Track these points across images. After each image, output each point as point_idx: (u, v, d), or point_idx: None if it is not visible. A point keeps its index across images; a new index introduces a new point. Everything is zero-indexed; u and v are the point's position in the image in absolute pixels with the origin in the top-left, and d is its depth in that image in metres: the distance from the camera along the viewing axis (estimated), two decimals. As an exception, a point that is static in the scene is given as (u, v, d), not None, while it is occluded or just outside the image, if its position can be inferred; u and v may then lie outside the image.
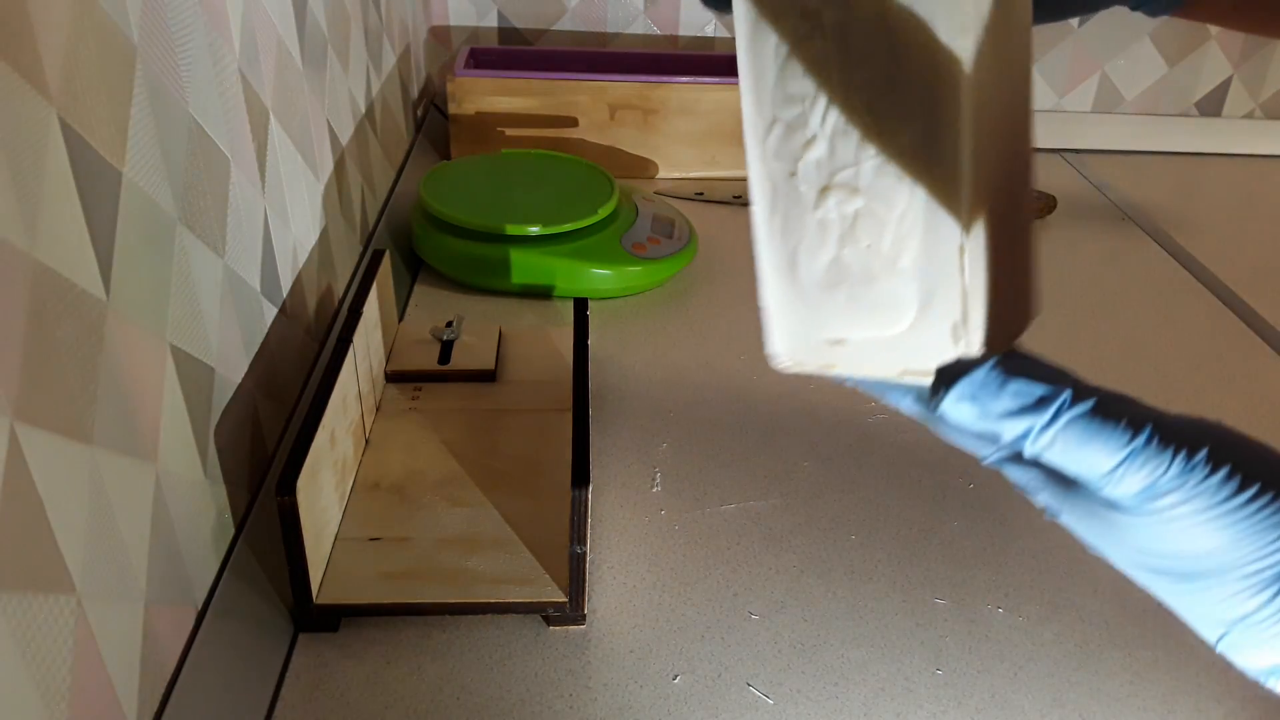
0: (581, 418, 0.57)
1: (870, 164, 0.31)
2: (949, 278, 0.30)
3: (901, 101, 0.30)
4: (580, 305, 0.71)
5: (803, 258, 0.33)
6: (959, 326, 0.31)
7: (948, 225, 0.30)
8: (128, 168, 0.42)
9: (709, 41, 1.34)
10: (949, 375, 0.30)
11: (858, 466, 0.71)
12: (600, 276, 0.89)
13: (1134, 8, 0.56)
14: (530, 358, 0.77)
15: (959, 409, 0.30)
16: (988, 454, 0.31)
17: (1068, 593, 0.61)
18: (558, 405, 0.71)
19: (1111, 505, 0.29)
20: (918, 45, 0.29)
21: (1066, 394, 0.29)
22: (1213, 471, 0.28)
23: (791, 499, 0.68)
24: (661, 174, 1.19)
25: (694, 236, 0.96)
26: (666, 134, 1.16)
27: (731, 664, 0.56)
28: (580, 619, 0.57)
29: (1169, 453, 0.28)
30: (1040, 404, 0.29)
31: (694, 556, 0.63)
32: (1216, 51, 1.39)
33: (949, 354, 0.31)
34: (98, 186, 0.40)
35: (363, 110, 0.90)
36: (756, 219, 0.34)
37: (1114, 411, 0.28)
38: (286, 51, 0.66)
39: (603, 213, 0.91)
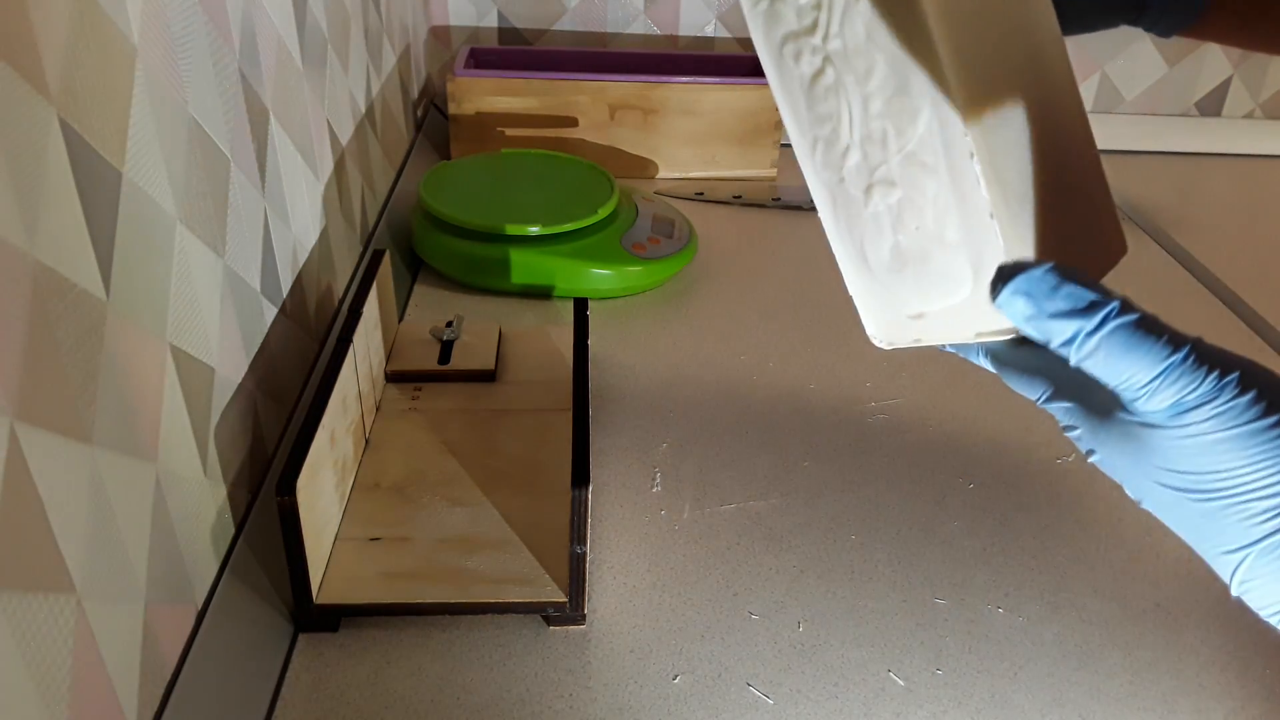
0: (581, 418, 0.57)
1: (897, 159, 0.35)
2: (991, 243, 0.34)
3: (908, 100, 0.33)
4: (580, 305, 0.71)
5: (869, 248, 0.37)
6: None
7: (975, 196, 0.33)
8: (128, 168, 0.42)
9: (709, 41, 1.34)
10: (1008, 272, 0.32)
11: (858, 466, 0.71)
12: (600, 276, 0.89)
13: (1146, 29, 0.56)
14: (530, 358, 0.77)
15: (1014, 302, 0.31)
16: (1039, 395, 0.34)
17: (1068, 593, 0.62)
18: (558, 405, 0.71)
19: (1143, 422, 0.31)
20: (901, 50, 0.33)
21: (1115, 304, 0.30)
22: (1241, 393, 0.29)
23: (791, 499, 0.68)
24: (661, 174, 1.19)
25: (694, 236, 0.96)
26: (666, 134, 1.16)
27: (731, 664, 0.56)
28: (580, 619, 0.57)
29: (1203, 371, 0.29)
30: (1090, 309, 0.30)
31: (694, 556, 0.63)
32: (1216, 51, 1.40)
33: None
34: (98, 186, 0.40)
35: (363, 110, 0.90)
36: (824, 222, 0.38)
37: (1156, 328, 0.30)
38: (286, 51, 0.66)
39: (603, 213, 0.91)
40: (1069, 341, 0.31)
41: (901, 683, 0.55)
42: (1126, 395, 0.31)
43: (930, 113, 0.33)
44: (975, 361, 0.38)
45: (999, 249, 0.33)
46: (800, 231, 1.07)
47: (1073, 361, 0.31)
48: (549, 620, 0.57)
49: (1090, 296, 0.30)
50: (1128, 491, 0.33)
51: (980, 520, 0.67)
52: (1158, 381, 0.30)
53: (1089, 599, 0.61)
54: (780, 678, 0.55)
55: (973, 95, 0.32)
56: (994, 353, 0.36)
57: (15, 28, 0.34)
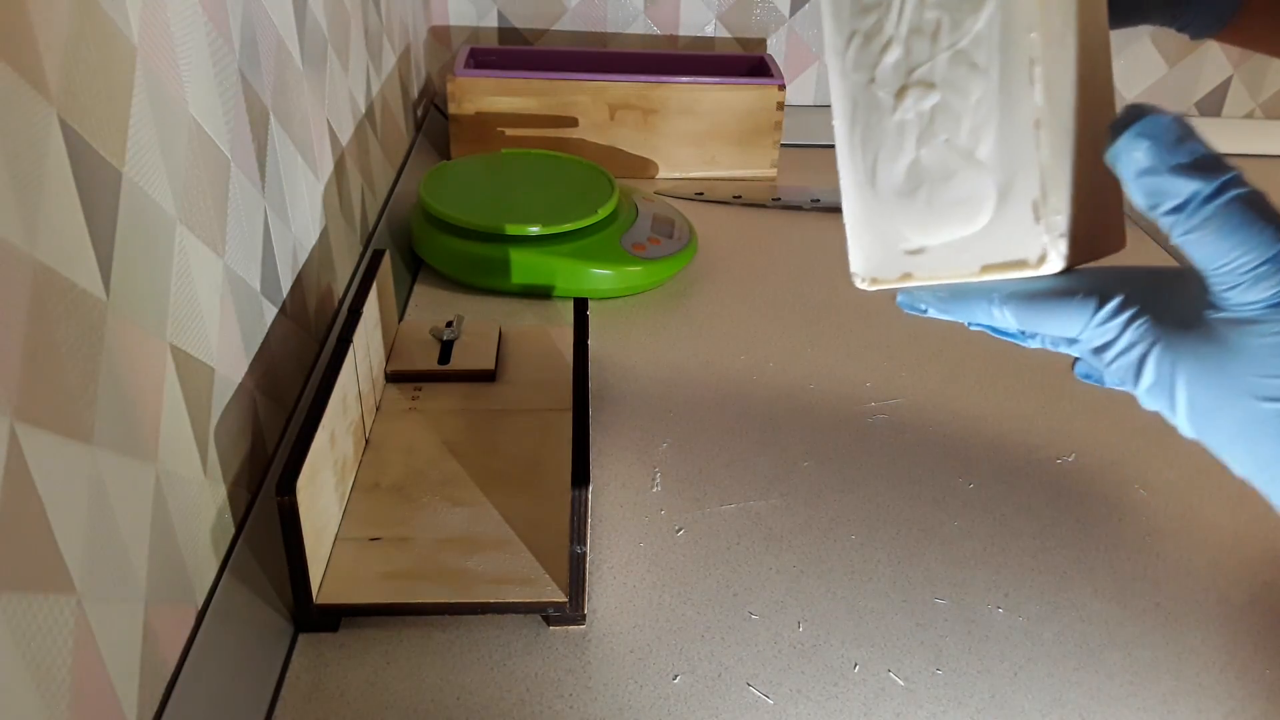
0: (581, 418, 0.57)
1: (944, 56, 0.33)
2: (1027, 157, 0.32)
3: None
4: (580, 305, 0.71)
5: (882, 166, 0.35)
6: (1039, 204, 0.32)
7: (1023, 103, 0.31)
8: (128, 168, 0.42)
9: (709, 41, 1.34)
10: (1138, 111, 0.29)
11: (858, 466, 0.71)
12: (600, 276, 0.89)
13: (1179, 29, 0.56)
14: (530, 358, 0.77)
15: (1137, 145, 0.29)
16: (1087, 318, 0.32)
17: (1068, 593, 0.62)
18: (558, 405, 0.71)
19: (1234, 318, 0.29)
20: None
21: (1235, 173, 0.29)
22: None
23: (791, 499, 0.68)
24: (661, 174, 1.19)
25: (694, 236, 0.96)
26: (666, 134, 1.16)
27: (731, 664, 0.56)
28: (580, 619, 0.57)
29: None
30: (1212, 171, 0.28)
31: (694, 556, 0.63)
32: (1216, 51, 1.40)
33: (1031, 237, 0.32)
34: (98, 186, 0.40)
35: (363, 110, 0.90)
36: (838, 138, 0.36)
37: (1269, 212, 0.28)
38: (286, 51, 0.66)
39: (603, 213, 0.91)
40: (1180, 207, 0.28)
41: (901, 683, 0.55)
42: (1226, 281, 0.29)
43: (995, 6, 0.31)
44: (979, 318, 0.35)
45: (1034, 165, 0.32)
46: (800, 231, 1.07)
47: (1176, 236, 0.29)
48: (549, 620, 0.57)
49: (1212, 155, 0.28)
50: (1185, 424, 0.31)
51: (980, 520, 0.67)
52: (1265, 268, 0.28)
53: (1089, 599, 0.61)
54: (780, 678, 0.55)
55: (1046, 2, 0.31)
56: (1018, 291, 0.33)
57: (15, 27, 0.34)
